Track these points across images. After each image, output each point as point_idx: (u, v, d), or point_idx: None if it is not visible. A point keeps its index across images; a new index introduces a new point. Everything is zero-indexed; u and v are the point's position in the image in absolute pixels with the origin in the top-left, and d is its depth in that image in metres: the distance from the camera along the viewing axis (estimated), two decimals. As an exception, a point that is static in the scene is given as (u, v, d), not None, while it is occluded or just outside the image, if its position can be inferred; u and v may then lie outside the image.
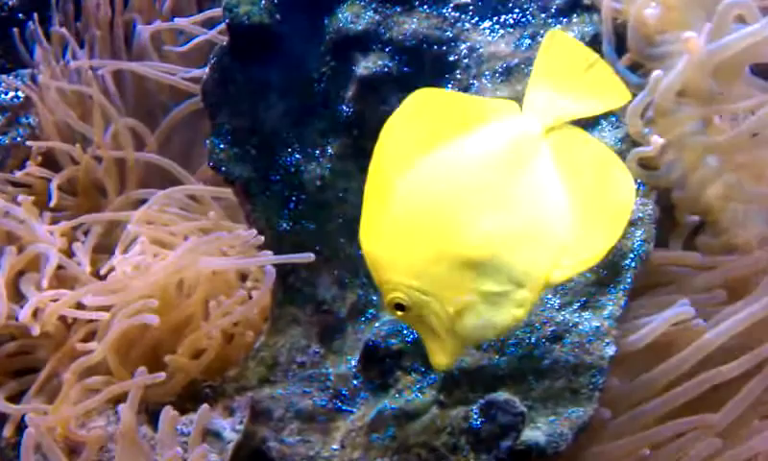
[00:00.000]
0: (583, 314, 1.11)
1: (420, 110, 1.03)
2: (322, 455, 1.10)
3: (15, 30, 1.76)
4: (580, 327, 1.10)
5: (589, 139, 1.05)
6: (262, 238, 1.30)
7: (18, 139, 1.56)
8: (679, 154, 1.16)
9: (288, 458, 1.09)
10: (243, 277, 1.44)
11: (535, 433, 1.00)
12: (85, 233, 1.48)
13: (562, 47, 1.07)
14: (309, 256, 1.27)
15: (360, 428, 1.12)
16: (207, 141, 1.38)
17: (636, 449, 1.06)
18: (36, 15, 1.71)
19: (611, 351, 1.07)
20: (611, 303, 1.11)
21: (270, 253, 1.30)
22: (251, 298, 1.35)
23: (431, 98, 1.05)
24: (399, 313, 0.99)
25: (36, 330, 1.26)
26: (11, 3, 1.82)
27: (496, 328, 1.00)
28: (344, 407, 1.17)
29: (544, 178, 1.00)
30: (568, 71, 1.05)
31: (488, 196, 0.99)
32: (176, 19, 1.70)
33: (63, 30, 1.70)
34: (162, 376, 1.19)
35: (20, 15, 1.80)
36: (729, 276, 1.15)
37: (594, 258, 0.99)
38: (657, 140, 1.12)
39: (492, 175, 1.00)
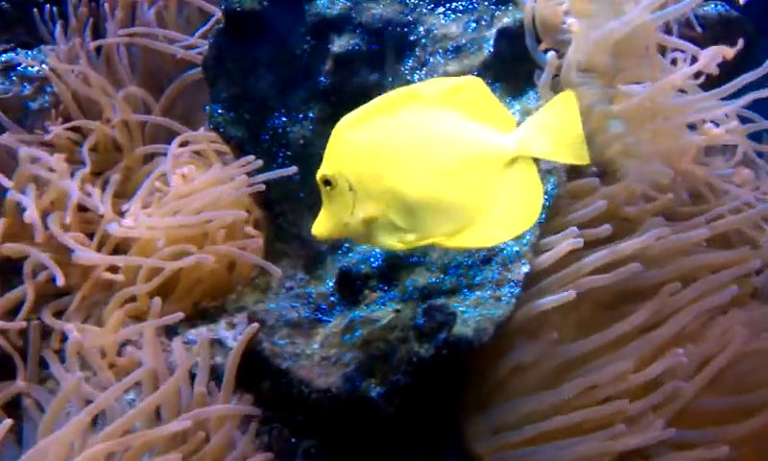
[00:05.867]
0: (508, 242, 1.45)
1: (459, 88, 1.31)
2: (305, 353, 1.45)
3: (35, 10, 2.07)
4: (504, 251, 1.45)
5: (534, 172, 1.30)
6: (261, 162, 1.65)
7: (45, 105, 1.89)
8: (584, 118, 1.50)
9: (278, 355, 1.44)
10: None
11: (465, 329, 1.34)
12: (104, 183, 1.80)
13: (565, 108, 1.31)
14: (293, 169, 1.65)
15: (335, 333, 1.46)
16: (207, 107, 1.71)
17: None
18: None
19: (526, 268, 1.42)
20: (529, 233, 1.45)
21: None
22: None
23: (478, 86, 1.32)
24: (325, 187, 1.31)
25: (60, 281, 1.59)
26: (31, -13, 2.12)
27: (376, 244, 1.33)
28: (323, 318, 1.52)
29: (489, 182, 1.28)
30: (557, 124, 1.30)
31: (441, 166, 1.28)
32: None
33: (82, 10, 2.01)
34: (181, 315, 1.53)
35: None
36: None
37: (475, 246, 1.36)
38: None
39: (462, 155, 1.28)
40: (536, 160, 1.30)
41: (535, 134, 1.30)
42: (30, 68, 1.92)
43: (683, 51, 1.62)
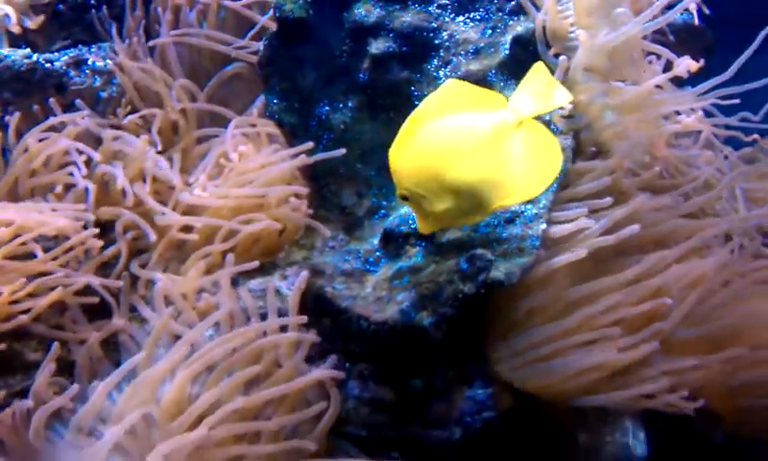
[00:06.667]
0: (527, 206, 1.79)
1: (448, 91, 1.68)
2: (360, 295, 1.77)
3: (93, 12, 2.36)
4: (525, 213, 1.78)
5: (543, 128, 1.69)
6: (312, 144, 1.96)
7: (113, 95, 2.18)
8: (585, 109, 1.86)
9: (337, 297, 1.75)
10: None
11: (498, 273, 1.68)
12: (169, 160, 2.08)
13: (538, 73, 1.65)
14: (341, 151, 1.96)
15: (384, 280, 1.78)
16: (264, 98, 2.03)
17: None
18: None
19: (543, 225, 1.75)
20: (544, 198, 1.79)
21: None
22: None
23: (457, 85, 1.69)
24: (404, 201, 1.68)
25: (153, 238, 1.89)
26: (85, -8, 2.41)
27: (460, 224, 1.74)
28: (371, 269, 1.84)
29: (510, 148, 1.64)
30: (538, 86, 1.66)
31: (472, 152, 1.64)
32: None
33: (138, 12, 2.31)
34: (257, 264, 1.84)
35: (92, 2, 2.40)
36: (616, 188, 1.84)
37: (528, 198, 1.69)
38: (568, 106, 1.82)
39: (479, 139, 1.64)
40: None
41: (522, 100, 1.66)
42: (97, 63, 2.20)
43: (657, 55, 1.97)
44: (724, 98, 1.93)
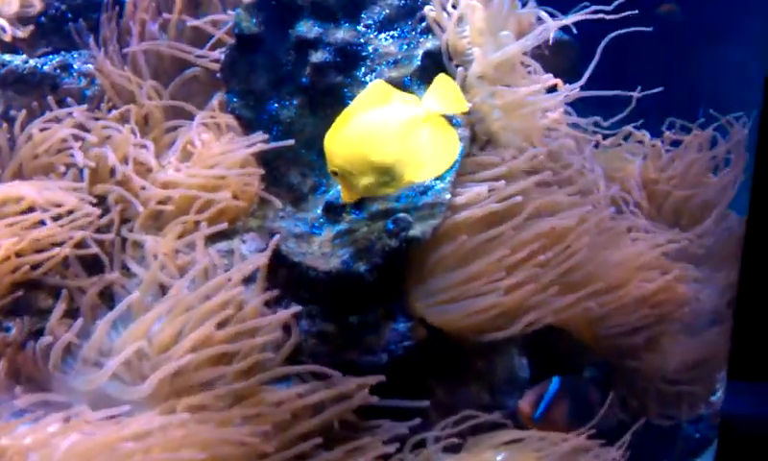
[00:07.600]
0: (435, 182, 2.28)
1: (373, 91, 2.11)
2: (309, 252, 2.23)
3: (71, 24, 2.79)
4: (434, 187, 2.25)
5: (445, 122, 2.10)
6: (267, 136, 2.43)
7: (96, 93, 2.62)
8: (479, 107, 2.38)
9: (291, 254, 2.21)
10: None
11: (415, 232, 2.17)
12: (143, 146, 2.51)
13: (444, 82, 1.99)
14: (290, 141, 2.41)
15: (327, 240, 2.25)
16: (224, 96, 2.49)
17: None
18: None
19: (448, 196, 2.23)
20: (448, 176, 2.27)
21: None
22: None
23: (381, 86, 2.12)
24: (335, 176, 2.12)
25: (140, 208, 2.33)
26: (63, 7, 2.82)
27: (377, 194, 2.18)
28: (316, 232, 2.32)
29: (420, 137, 2.07)
30: (444, 92, 1.98)
31: (391, 139, 2.06)
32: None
33: (112, 25, 2.74)
34: (225, 225, 2.31)
35: (69, 15, 2.82)
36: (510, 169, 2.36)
37: (433, 176, 2.15)
38: (468, 105, 2.30)
39: (396, 129, 2.07)
40: None
41: (431, 101, 2.09)
42: (81, 66, 2.64)
43: (531, 66, 2.50)
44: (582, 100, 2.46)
